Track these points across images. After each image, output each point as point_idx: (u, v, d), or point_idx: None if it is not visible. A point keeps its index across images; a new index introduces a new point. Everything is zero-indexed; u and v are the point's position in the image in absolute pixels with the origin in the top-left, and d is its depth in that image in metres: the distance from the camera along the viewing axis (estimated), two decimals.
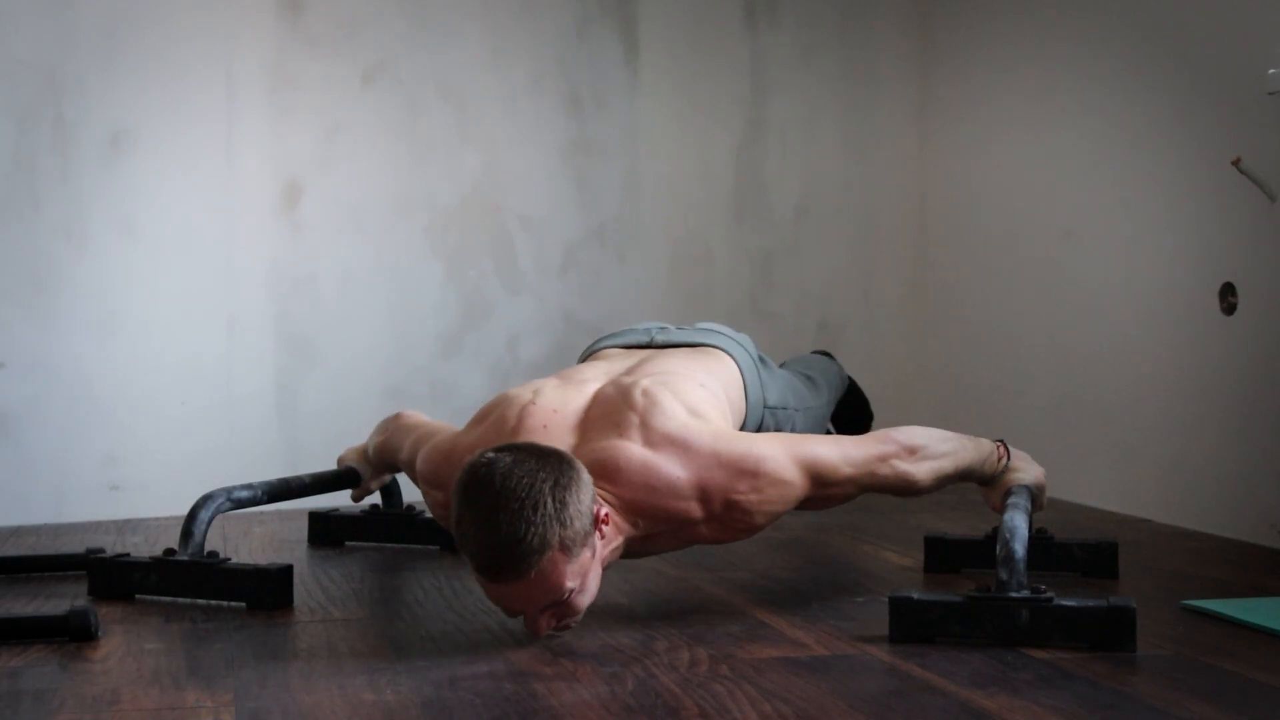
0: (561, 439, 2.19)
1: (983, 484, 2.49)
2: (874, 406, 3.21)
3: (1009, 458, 2.49)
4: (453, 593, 2.47)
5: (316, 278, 3.56)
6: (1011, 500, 2.32)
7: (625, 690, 1.83)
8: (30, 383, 3.34)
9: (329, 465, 3.04)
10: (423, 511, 2.97)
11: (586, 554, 2.00)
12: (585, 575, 2.01)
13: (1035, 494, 2.44)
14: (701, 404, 2.27)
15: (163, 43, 3.43)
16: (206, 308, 3.47)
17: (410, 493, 3.07)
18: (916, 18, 3.97)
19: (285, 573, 2.38)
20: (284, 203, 3.53)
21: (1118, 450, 3.23)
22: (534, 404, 2.25)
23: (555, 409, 2.24)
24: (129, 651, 2.08)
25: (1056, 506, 3.21)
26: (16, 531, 3.21)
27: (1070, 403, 3.39)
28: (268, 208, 3.52)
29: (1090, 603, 2.01)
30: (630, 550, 2.20)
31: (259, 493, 2.64)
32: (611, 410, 2.22)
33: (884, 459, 2.27)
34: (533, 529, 1.92)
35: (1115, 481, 3.24)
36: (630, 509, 2.14)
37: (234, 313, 3.49)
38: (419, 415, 2.72)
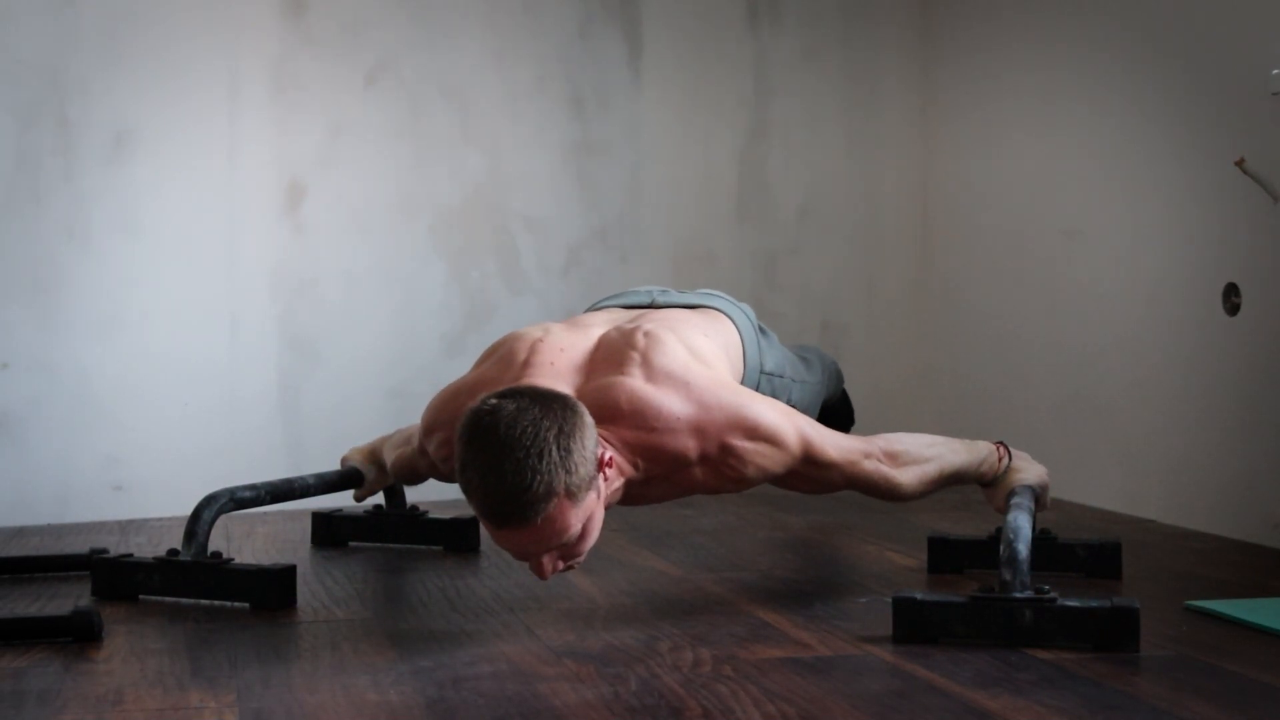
0: (567, 378, 2.22)
1: (984, 485, 2.49)
2: (877, 406, 3.21)
3: (1010, 458, 2.49)
4: (456, 593, 2.47)
5: (319, 278, 3.56)
6: (1015, 501, 2.32)
7: (628, 690, 1.83)
8: (33, 383, 3.34)
9: (332, 465, 3.04)
10: (426, 512, 2.97)
11: (591, 497, 2.01)
12: (590, 518, 2.03)
13: (1038, 494, 2.44)
14: (704, 351, 2.30)
15: (165, 43, 3.43)
16: (209, 308, 3.47)
17: (413, 493, 3.07)
18: (919, 18, 3.97)
19: (288, 573, 2.38)
20: (287, 203, 3.53)
21: (1121, 450, 3.23)
22: (544, 341, 2.28)
23: (563, 348, 2.27)
24: (132, 652, 2.08)
25: (1059, 507, 3.21)
26: (20, 532, 3.21)
27: (1074, 403, 3.38)
28: (270, 208, 3.52)
29: (1093, 603, 2.01)
30: (629, 495, 2.21)
31: (262, 493, 2.64)
32: (614, 352, 2.25)
33: (867, 455, 2.30)
34: (539, 477, 1.93)
35: (1118, 482, 3.23)
36: (630, 449, 2.15)
37: (236, 313, 3.49)
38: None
